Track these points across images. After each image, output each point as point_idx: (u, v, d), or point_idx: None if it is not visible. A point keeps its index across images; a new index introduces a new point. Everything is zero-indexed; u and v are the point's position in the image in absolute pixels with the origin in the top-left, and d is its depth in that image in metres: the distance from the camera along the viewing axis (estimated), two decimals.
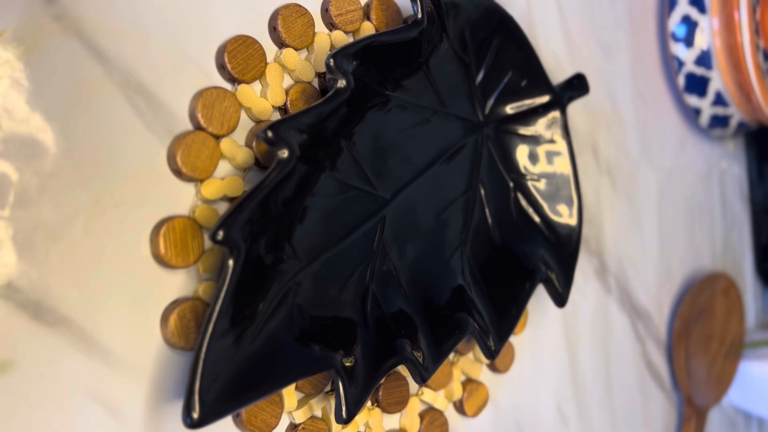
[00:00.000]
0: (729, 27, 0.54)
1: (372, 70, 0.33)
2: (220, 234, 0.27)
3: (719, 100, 0.58)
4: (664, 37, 0.60)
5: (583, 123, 0.51)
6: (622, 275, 0.54)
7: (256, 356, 0.28)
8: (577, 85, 0.45)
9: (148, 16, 0.29)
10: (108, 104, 0.28)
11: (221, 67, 0.31)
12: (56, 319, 0.26)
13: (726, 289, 0.63)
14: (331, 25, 0.35)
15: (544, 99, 0.43)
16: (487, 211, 0.40)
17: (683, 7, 0.56)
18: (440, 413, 0.39)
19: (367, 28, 0.37)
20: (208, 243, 0.30)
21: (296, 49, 0.34)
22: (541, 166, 0.43)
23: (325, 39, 0.35)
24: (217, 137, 0.30)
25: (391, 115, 0.34)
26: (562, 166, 0.43)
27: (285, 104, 0.33)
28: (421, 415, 0.38)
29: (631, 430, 0.54)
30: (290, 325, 0.30)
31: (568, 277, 0.43)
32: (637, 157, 0.56)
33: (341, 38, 0.35)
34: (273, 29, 0.33)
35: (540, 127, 0.43)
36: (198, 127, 0.30)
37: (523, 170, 0.42)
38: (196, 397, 0.25)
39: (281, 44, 0.33)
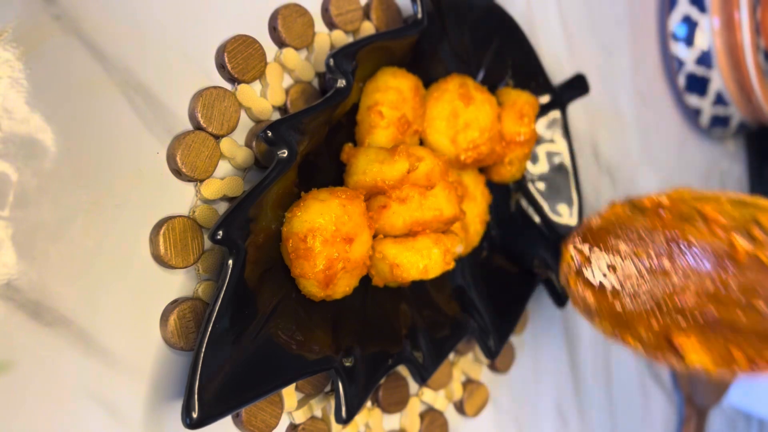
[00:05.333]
0: (729, 27, 0.54)
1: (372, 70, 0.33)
2: (220, 234, 0.27)
3: (720, 100, 0.58)
4: (664, 36, 0.60)
5: (584, 123, 0.51)
6: None
7: (256, 356, 0.28)
8: (578, 85, 0.45)
9: (148, 16, 0.29)
10: (108, 104, 0.28)
11: (221, 67, 0.31)
12: (55, 319, 0.26)
13: None
14: (330, 25, 0.35)
15: (545, 99, 0.43)
16: None
17: (683, 7, 0.56)
18: (440, 413, 0.39)
19: (367, 28, 0.37)
20: (207, 243, 0.30)
21: (296, 49, 0.34)
22: (542, 166, 0.43)
23: (325, 39, 0.35)
24: (217, 137, 0.30)
25: None
26: (562, 166, 0.43)
27: (285, 104, 0.33)
28: (422, 416, 0.38)
29: (631, 430, 0.54)
30: (291, 325, 0.30)
31: None
32: (638, 157, 0.56)
33: (341, 38, 0.35)
34: (273, 29, 0.33)
35: (540, 127, 0.43)
36: (198, 127, 0.30)
37: None
38: (196, 397, 0.25)
39: (281, 44, 0.33)
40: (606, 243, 0.31)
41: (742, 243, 0.29)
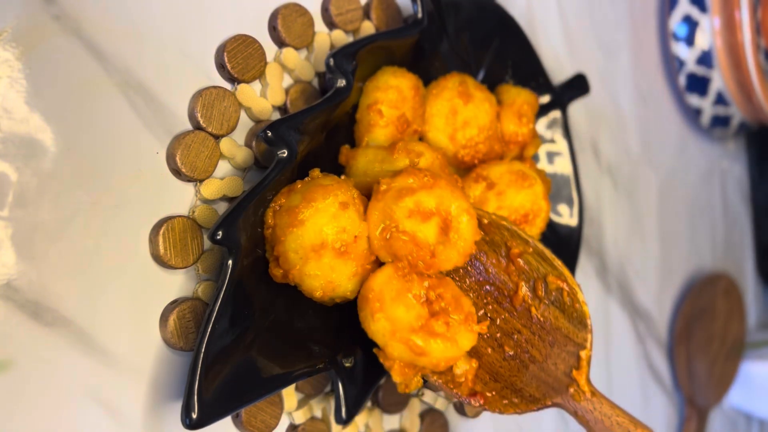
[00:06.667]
0: (730, 26, 0.54)
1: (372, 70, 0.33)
2: (220, 234, 0.27)
3: (720, 99, 0.58)
4: (664, 36, 0.59)
5: (584, 123, 0.51)
6: (623, 275, 0.54)
7: (256, 356, 0.28)
8: (578, 85, 0.45)
9: (148, 16, 0.29)
10: (107, 104, 0.28)
11: (221, 67, 0.31)
12: (55, 319, 0.26)
13: (727, 289, 0.63)
14: (330, 25, 0.35)
15: (545, 99, 0.43)
16: None
17: (684, 7, 0.56)
18: (440, 413, 0.39)
19: (367, 28, 0.37)
20: (207, 243, 0.30)
21: (296, 49, 0.34)
22: (542, 166, 0.43)
23: (325, 38, 0.35)
24: (217, 137, 0.30)
25: None
26: (562, 166, 0.43)
27: (285, 104, 0.33)
28: (422, 416, 0.38)
29: None
30: (290, 325, 0.30)
31: None
32: (638, 157, 0.56)
33: (341, 38, 0.35)
34: (273, 29, 0.33)
35: (541, 127, 0.43)
36: (197, 127, 0.30)
37: None
38: (195, 398, 0.25)
39: (281, 44, 0.33)
40: None
41: (524, 291, 0.31)
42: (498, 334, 0.32)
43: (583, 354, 0.31)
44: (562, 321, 0.31)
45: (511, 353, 0.31)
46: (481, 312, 0.32)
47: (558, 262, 0.32)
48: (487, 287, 0.32)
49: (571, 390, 0.31)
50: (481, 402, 0.30)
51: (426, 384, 0.31)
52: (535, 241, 0.32)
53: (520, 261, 0.31)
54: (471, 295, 0.32)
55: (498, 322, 0.32)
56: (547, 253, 0.32)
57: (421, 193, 0.29)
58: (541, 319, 0.31)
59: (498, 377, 0.31)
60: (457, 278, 0.32)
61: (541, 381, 0.31)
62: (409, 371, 0.29)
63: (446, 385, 0.30)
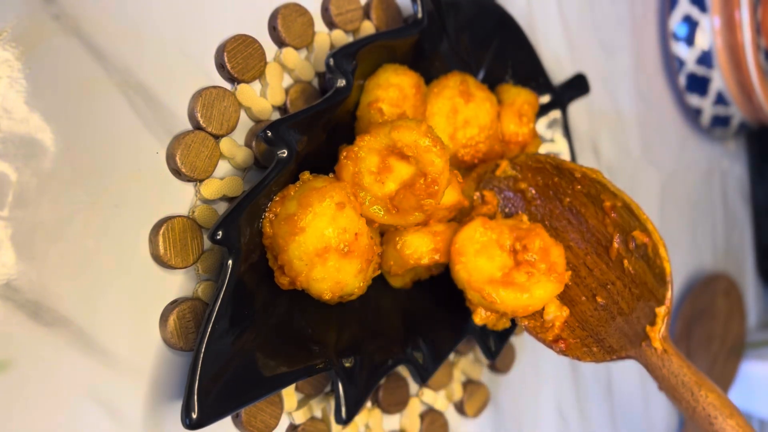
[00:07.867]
0: (730, 26, 0.54)
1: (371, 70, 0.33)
2: (220, 234, 0.27)
3: (720, 99, 0.58)
4: (665, 36, 0.59)
5: (584, 123, 0.51)
6: None
7: (256, 356, 0.28)
8: (578, 85, 0.45)
9: (148, 15, 0.29)
10: (107, 104, 0.28)
11: (221, 67, 0.31)
12: (55, 319, 0.26)
13: (727, 289, 0.63)
14: (330, 25, 0.35)
15: (545, 99, 0.43)
16: None
17: (684, 7, 0.56)
18: (440, 414, 0.39)
19: (367, 28, 0.37)
20: (207, 243, 0.30)
21: (296, 49, 0.33)
22: None
23: (325, 38, 0.35)
24: (217, 137, 0.30)
25: None
26: None
27: (285, 104, 0.33)
28: (422, 416, 0.38)
29: (633, 431, 0.54)
30: (290, 325, 0.30)
31: None
32: (638, 157, 0.56)
33: (341, 37, 0.35)
34: (273, 28, 0.33)
35: (541, 127, 0.43)
36: (197, 127, 0.30)
37: None
38: (195, 398, 0.25)
39: (281, 43, 0.33)
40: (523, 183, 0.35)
41: (617, 244, 0.33)
42: (594, 284, 0.33)
43: (659, 310, 0.32)
44: (649, 276, 0.32)
45: (603, 303, 0.32)
46: (581, 263, 0.33)
47: (644, 216, 0.32)
48: (588, 238, 0.33)
49: (644, 345, 0.31)
50: (563, 347, 0.32)
51: (514, 324, 0.33)
52: (623, 195, 0.33)
53: (614, 214, 0.32)
54: (572, 245, 0.33)
55: (595, 272, 0.33)
56: (634, 207, 0.32)
57: (362, 163, 0.29)
58: (632, 272, 0.32)
59: (585, 326, 0.32)
60: (560, 230, 0.34)
61: (622, 333, 0.32)
62: (492, 315, 0.32)
63: (533, 329, 0.32)
